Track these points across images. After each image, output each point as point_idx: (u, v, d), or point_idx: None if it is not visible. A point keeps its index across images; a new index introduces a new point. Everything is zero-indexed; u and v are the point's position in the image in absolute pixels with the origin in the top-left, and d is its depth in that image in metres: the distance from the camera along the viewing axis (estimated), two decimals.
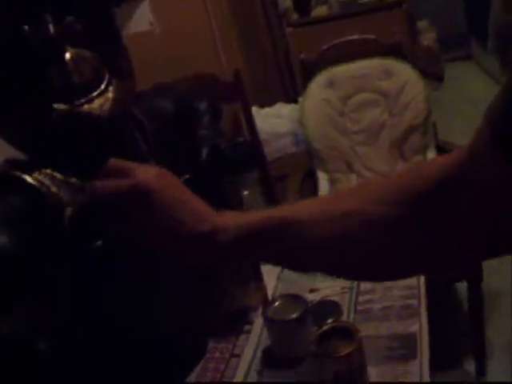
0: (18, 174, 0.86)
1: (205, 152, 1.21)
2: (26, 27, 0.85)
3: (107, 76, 0.91)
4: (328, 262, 0.80)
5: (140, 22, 2.93)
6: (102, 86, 0.89)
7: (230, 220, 0.79)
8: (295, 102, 3.21)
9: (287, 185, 2.59)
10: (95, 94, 0.88)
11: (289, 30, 4.28)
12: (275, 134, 3.05)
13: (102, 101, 0.88)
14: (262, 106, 3.30)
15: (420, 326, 1.22)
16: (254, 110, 3.06)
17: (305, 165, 2.66)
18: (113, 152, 0.91)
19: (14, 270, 0.80)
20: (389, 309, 1.29)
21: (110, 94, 0.89)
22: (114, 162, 0.80)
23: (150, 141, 1.05)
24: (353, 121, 2.55)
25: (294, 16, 4.41)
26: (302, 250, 0.78)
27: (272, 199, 2.60)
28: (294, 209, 0.80)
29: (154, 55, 3.00)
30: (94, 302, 0.91)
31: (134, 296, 0.98)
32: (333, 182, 2.51)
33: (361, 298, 1.33)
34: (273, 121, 3.13)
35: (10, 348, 0.85)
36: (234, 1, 3.45)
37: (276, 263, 0.89)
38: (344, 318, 1.28)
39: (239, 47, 3.46)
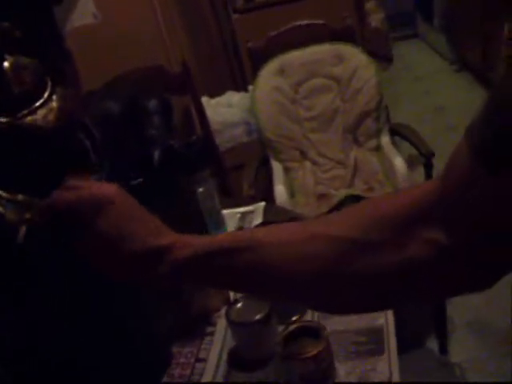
0: None
1: (157, 154, 1.17)
2: None
3: (50, 84, 0.86)
4: (291, 289, 0.75)
5: (83, 14, 2.85)
6: (45, 95, 0.84)
7: (190, 238, 0.76)
8: (245, 90, 3.18)
9: (242, 175, 2.56)
10: (38, 104, 0.83)
11: (235, 16, 4.24)
12: (227, 124, 3.01)
13: (45, 111, 0.83)
14: (211, 95, 3.25)
15: (386, 319, 1.21)
16: (204, 100, 3.02)
17: (259, 154, 2.63)
18: (61, 164, 0.87)
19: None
20: None
21: (54, 103, 0.84)
22: (71, 179, 0.80)
23: (100, 148, 1.00)
24: (305, 108, 2.52)
25: (239, 1, 4.36)
26: (263, 271, 0.73)
27: (227, 192, 2.57)
28: (260, 230, 0.78)
29: (99, 48, 2.93)
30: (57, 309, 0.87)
31: (93, 304, 0.94)
32: (287, 170, 2.49)
33: None
34: (224, 110, 3.08)
35: None
36: None
37: (232, 287, 0.86)
38: (309, 314, 1.26)
39: (185, 36, 3.40)
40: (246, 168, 2.50)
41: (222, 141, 2.93)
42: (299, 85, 2.52)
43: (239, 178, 2.60)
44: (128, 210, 0.77)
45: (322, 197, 2.40)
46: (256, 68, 2.60)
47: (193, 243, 0.75)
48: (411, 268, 0.67)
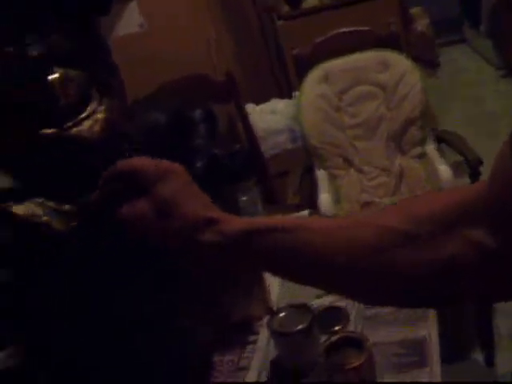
0: (9, 205, 0.83)
1: (201, 163, 1.18)
2: (10, 49, 0.82)
3: (96, 95, 0.87)
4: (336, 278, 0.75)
5: (129, 23, 2.89)
6: (91, 107, 0.86)
7: (237, 217, 0.79)
8: (290, 97, 3.18)
9: (286, 182, 2.56)
10: (84, 115, 0.84)
11: (280, 23, 4.24)
12: (271, 131, 3.02)
13: (91, 122, 0.84)
14: (256, 102, 3.26)
15: (429, 330, 1.20)
16: (249, 107, 3.03)
17: (303, 161, 2.63)
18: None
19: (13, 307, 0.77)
20: (396, 313, 1.26)
21: (100, 115, 0.86)
22: (124, 165, 0.82)
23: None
24: (350, 115, 2.51)
25: (285, 8, 4.37)
26: (308, 253, 0.74)
27: (272, 200, 2.58)
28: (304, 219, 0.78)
29: (144, 57, 2.96)
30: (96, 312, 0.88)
31: (137, 307, 0.95)
32: (332, 178, 2.48)
33: None
34: (268, 117, 3.09)
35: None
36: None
37: (273, 269, 0.81)
38: (351, 324, 1.26)
39: (230, 43, 3.42)
40: (291, 175, 2.50)
41: (267, 148, 2.93)
42: (344, 92, 2.51)
43: (283, 184, 2.61)
44: (186, 183, 0.81)
45: (366, 205, 2.39)
46: (301, 75, 2.60)
47: (241, 220, 0.77)
48: (454, 266, 0.67)
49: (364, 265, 0.72)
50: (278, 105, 3.22)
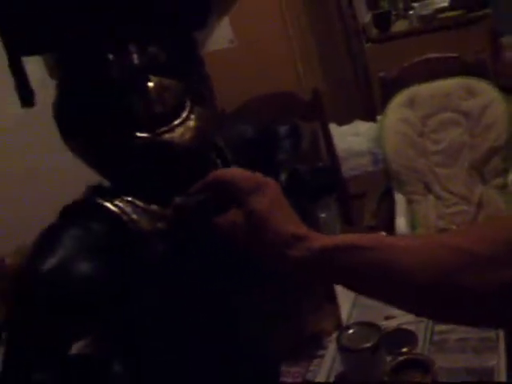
0: (101, 201, 0.88)
1: (283, 177, 1.20)
2: (111, 56, 0.87)
3: (189, 104, 0.91)
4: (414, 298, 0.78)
5: (220, 39, 2.96)
6: (184, 115, 0.90)
7: (322, 235, 0.83)
8: (373, 120, 3.19)
9: (364, 203, 2.57)
10: (176, 122, 0.89)
11: (368, 45, 4.26)
12: (353, 152, 3.04)
13: (183, 130, 0.89)
14: (339, 123, 3.29)
15: (498, 360, 1.19)
16: (332, 127, 3.06)
17: (382, 183, 2.64)
18: (193, 180, 0.92)
19: (97, 295, 0.81)
20: (465, 341, 1.26)
21: (192, 123, 0.90)
22: (221, 174, 0.88)
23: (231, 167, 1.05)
24: (432, 141, 2.50)
25: (374, 31, 4.39)
26: (385, 271, 0.77)
27: (349, 221, 2.59)
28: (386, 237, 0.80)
29: (233, 72, 3.03)
30: (171, 325, 0.92)
31: (213, 316, 0.98)
32: (410, 202, 2.48)
33: (437, 328, 1.31)
34: (350, 139, 3.11)
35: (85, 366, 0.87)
36: (313, 16, 3.45)
37: (351, 285, 0.85)
38: (419, 348, 1.26)
39: (317, 62, 3.46)
40: (369, 197, 2.51)
41: (347, 168, 2.95)
42: (428, 118, 2.51)
43: (361, 206, 2.61)
44: (279, 198, 0.85)
45: (443, 232, 2.37)
46: (386, 98, 2.61)
47: (328, 237, 0.82)
48: None
49: (443, 284, 0.73)
50: (361, 127, 3.25)
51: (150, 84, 0.87)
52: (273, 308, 1.13)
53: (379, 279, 0.78)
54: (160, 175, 0.90)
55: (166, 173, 0.90)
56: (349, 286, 0.84)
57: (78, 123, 0.89)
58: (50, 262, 0.80)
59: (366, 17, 4.60)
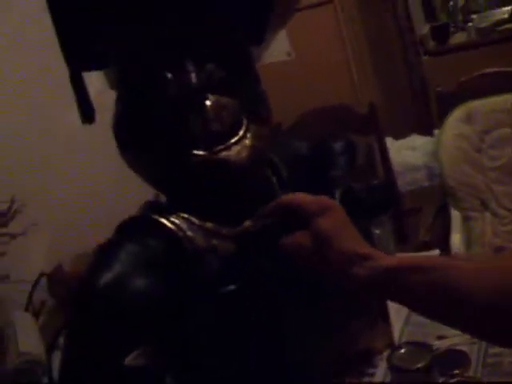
0: (157, 217, 0.90)
1: (337, 195, 1.21)
2: (170, 75, 0.89)
3: (245, 122, 0.92)
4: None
5: (277, 52, 2.97)
6: (240, 133, 0.91)
7: (385, 255, 0.86)
8: (430, 134, 3.16)
9: (419, 218, 2.54)
10: (233, 140, 0.90)
11: (425, 58, 4.22)
12: (409, 167, 3.01)
13: (239, 148, 0.90)
14: (395, 136, 3.26)
15: None
16: (388, 140, 3.04)
17: (438, 199, 2.61)
18: (248, 197, 0.93)
19: (152, 311, 0.83)
20: None
21: (248, 141, 0.91)
22: (288, 198, 0.92)
23: (285, 185, 1.06)
24: (490, 157, 2.46)
25: (431, 43, 4.34)
26: (445, 293, 0.78)
27: (402, 235, 2.57)
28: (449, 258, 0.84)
29: (290, 85, 3.03)
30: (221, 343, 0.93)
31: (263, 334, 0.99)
32: (466, 219, 2.44)
33: (491, 351, 1.28)
34: (406, 153, 3.08)
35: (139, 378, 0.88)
36: (369, 29, 3.44)
37: (412, 304, 0.87)
38: (472, 370, 1.24)
39: (374, 75, 3.44)
40: (424, 212, 2.48)
41: (403, 183, 2.93)
42: (486, 133, 2.47)
43: (416, 221, 2.59)
44: (344, 219, 0.89)
45: (499, 250, 2.33)
46: (443, 113, 2.58)
47: (391, 257, 0.85)
48: None
49: (504, 307, 0.74)
50: (417, 141, 3.21)
51: (208, 103, 0.89)
52: (325, 326, 1.13)
53: (442, 300, 0.80)
54: (216, 193, 0.91)
55: (222, 190, 0.91)
56: (409, 305, 0.87)
57: (136, 137, 0.91)
58: (107, 277, 0.82)
59: (423, 29, 4.56)
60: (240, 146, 0.90)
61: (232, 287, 0.89)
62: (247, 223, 0.93)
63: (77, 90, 0.92)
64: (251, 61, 0.99)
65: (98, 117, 0.96)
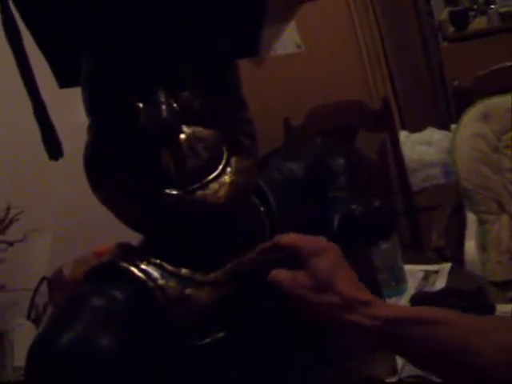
0: (126, 265, 0.81)
1: (337, 219, 1.12)
2: (140, 104, 0.79)
3: (226, 155, 0.83)
4: None
5: (287, 43, 2.87)
6: (219, 168, 0.81)
7: (385, 303, 0.87)
8: (448, 128, 3.05)
9: (433, 219, 2.45)
10: (210, 177, 0.80)
11: (444, 44, 4.10)
12: (424, 163, 2.90)
13: (217, 186, 0.80)
14: (412, 129, 3.15)
15: None
16: (403, 134, 2.94)
17: (454, 197, 2.51)
18: (229, 238, 0.85)
19: (114, 373, 0.75)
20: None
21: (227, 178, 0.81)
22: (284, 239, 0.87)
23: (275, 213, 0.97)
24: (508, 157, 2.35)
25: (451, 29, 4.20)
26: (455, 351, 0.76)
27: (416, 239, 2.49)
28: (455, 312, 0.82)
29: (299, 76, 2.93)
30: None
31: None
32: (482, 223, 2.34)
33: None
34: (422, 148, 2.97)
35: None
36: (384, 18, 3.30)
37: (412, 358, 0.84)
38: None
39: (389, 65, 3.31)
40: (438, 214, 2.39)
41: (417, 180, 2.83)
42: (503, 133, 2.36)
43: (429, 219, 2.50)
44: (341, 261, 0.86)
45: None
46: (460, 108, 2.47)
47: (390, 306, 0.84)
48: None
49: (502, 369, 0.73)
50: (434, 135, 3.09)
51: (182, 136, 0.79)
52: (321, 366, 1.05)
53: (441, 355, 0.78)
54: (191, 235, 0.82)
55: (198, 233, 0.82)
56: (409, 358, 0.84)
57: (106, 174, 0.83)
58: (66, 339, 0.73)
59: (442, 13, 4.42)
60: (218, 183, 0.81)
61: (208, 340, 0.80)
62: (228, 266, 0.84)
63: (42, 124, 0.84)
64: (235, 84, 0.89)
65: None
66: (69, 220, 2.23)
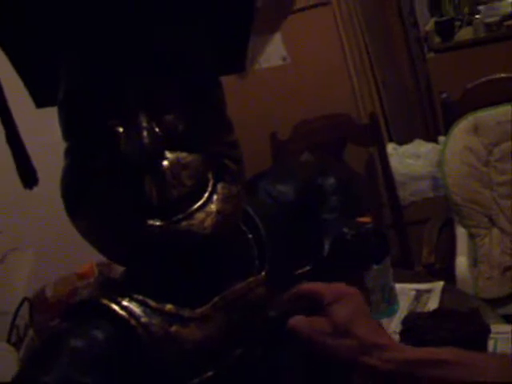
0: (107, 302, 0.76)
1: (328, 242, 1.08)
2: (120, 129, 0.74)
3: (211, 182, 0.78)
4: None
5: (273, 56, 2.83)
6: (205, 196, 0.77)
7: (402, 345, 0.87)
8: (435, 141, 3.01)
9: (422, 233, 2.41)
10: (196, 206, 0.75)
11: (430, 55, 4.08)
12: (413, 176, 2.86)
13: (203, 215, 0.75)
14: (399, 141, 3.11)
15: None
16: (391, 147, 2.90)
17: (443, 211, 2.48)
18: (216, 269, 0.80)
19: None
20: None
21: (214, 206, 0.76)
22: (305, 287, 0.90)
23: (264, 240, 0.92)
24: (498, 171, 2.32)
25: (436, 40, 4.19)
26: None
27: (404, 250, 2.45)
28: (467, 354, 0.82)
29: (285, 91, 2.89)
30: None
31: None
32: (472, 236, 2.30)
33: None
34: (410, 162, 2.93)
35: None
36: (370, 30, 3.26)
37: None
38: None
39: (376, 78, 3.27)
40: (428, 229, 2.35)
41: (406, 194, 2.79)
42: (494, 146, 2.32)
43: (419, 233, 2.46)
44: (361, 307, 0.88)
45: (507, 269, 2.19)
46: (449, 121, 2.44)
47: (408, 349, 0.84)
48: None
49: None
50: (422, 148, 3.05)
51: (165, 163, 0.74)
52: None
53: None
54: (176, 268, 0.77)
55: (183, 265, 0.77)
56: None
57: (84, 203, 0.77)
58: (46, 381, 0.68)
59: (428, 24, 4.40)
60: (204, 212, 0.76)
61: (196, 380, 0.75)
62: (216, 299, 0.79)
63: (15, 153, 0.79)
64: (220, 105, 0.84)
65: None
66: (48, 238, 2.18)
